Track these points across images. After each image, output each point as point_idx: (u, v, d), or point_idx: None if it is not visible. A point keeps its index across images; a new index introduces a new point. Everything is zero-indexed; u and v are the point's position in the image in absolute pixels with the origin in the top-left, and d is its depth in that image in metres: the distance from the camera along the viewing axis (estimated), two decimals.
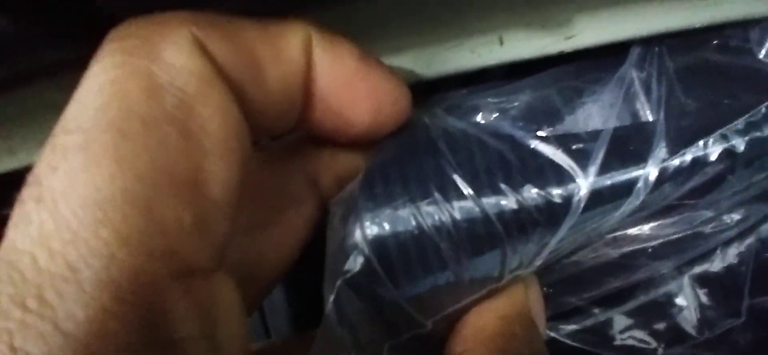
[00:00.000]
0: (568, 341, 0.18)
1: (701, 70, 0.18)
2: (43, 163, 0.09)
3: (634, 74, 0.17)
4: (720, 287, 0.17)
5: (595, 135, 0.15)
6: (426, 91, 0.18)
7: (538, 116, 0.15)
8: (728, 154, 0.14)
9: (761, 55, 0.18)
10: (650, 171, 0.14)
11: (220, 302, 0.09)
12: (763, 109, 0.15)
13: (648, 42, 0.17)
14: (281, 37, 0.11)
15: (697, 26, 0.18)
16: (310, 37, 0.12)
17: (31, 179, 0.09)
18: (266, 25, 0.11)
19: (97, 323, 0.07)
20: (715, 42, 0.19)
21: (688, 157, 0.14)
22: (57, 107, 0.20)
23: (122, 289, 0.08)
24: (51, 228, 0.08)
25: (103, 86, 0.09)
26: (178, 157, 0.09)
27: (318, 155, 0.15)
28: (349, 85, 0.12)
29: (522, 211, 0.14)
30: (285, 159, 0.15)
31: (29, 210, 0.08)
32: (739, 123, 0.15)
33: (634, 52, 0.17)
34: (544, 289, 0.17)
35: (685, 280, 0.18)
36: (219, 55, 0.10)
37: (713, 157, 0.14)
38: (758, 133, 0.14)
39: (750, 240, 0.18)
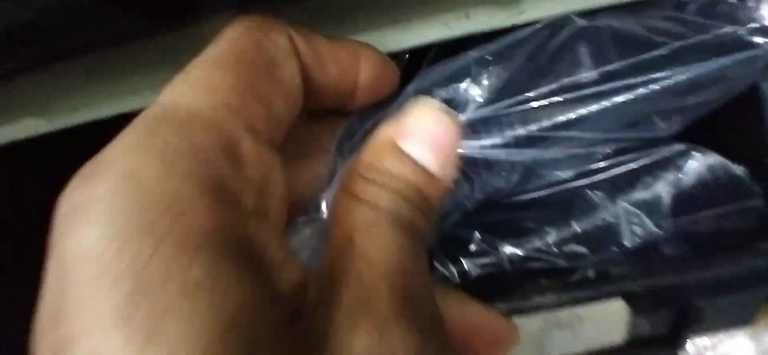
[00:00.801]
0: (518, 255, 0.22)
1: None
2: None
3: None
4: (646, 208, 0.22)
5: None
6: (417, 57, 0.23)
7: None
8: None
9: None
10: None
11: (274, 170, 0.14)
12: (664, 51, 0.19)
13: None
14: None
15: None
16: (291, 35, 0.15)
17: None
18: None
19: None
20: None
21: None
22: (110, 76, 0.24)
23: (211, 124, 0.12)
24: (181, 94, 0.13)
25: (225, 41, 0.14)
26: (262, 82, 0.14)
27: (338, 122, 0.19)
28: (324, 66, 0.16)
29: None
30: (317, 120, 0.19)
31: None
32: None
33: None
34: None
35: (619, 205, 0.22)
36: (299, 46, 0.15)
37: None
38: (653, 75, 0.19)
39: (672, 174, 0.23)
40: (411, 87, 0.20)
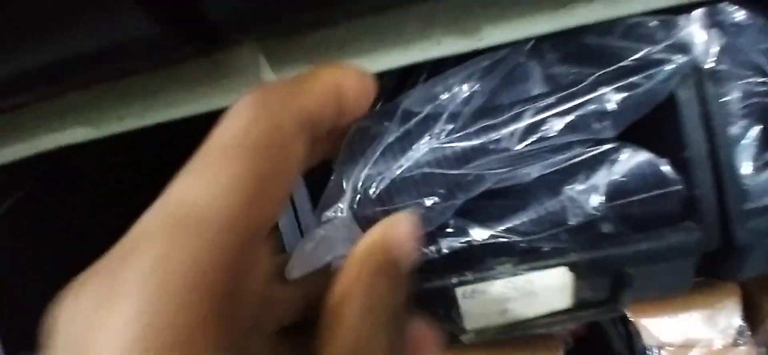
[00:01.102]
0: (484, 235, 0.28)
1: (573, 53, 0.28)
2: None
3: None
4: (586, 194, 0.27)
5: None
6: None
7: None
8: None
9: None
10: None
11: (272, 275, 0.18)
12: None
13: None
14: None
15: (571, 26, 0.28)
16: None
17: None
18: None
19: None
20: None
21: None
22: (151, 91, 0.30)
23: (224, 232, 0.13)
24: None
25: (237, 123, 0.15)
26: (273, 175, 0.15)
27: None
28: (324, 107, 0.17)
29: None
30: None
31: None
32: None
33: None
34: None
35: (565, 192, 0.28)
36: (309, 110, 0.16)
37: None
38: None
39: (607, 167, 0.28)
40: (405, 102, 0.25)
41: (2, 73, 0.24)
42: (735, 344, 0.46)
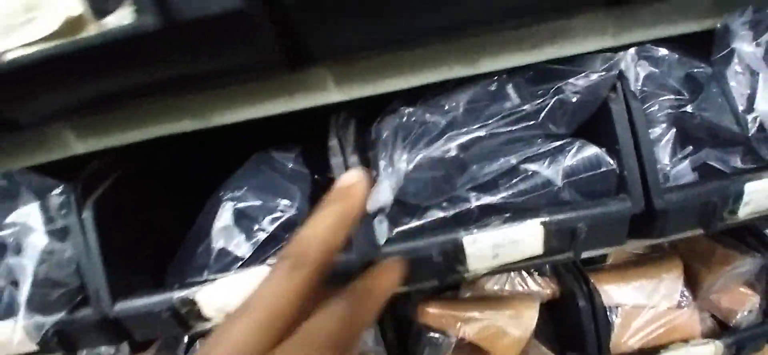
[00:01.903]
0: (481, 202, 0.40)
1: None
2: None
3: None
4: (550, 174, 0.40)
5: None
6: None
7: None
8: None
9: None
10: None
11: None
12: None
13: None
14: None
15: (541, 60, 0.41)
16: None
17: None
18: None
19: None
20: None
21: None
22: (238, 96, 0.42)
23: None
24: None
25: (270, 291, 0.20)
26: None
27: None
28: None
29: None
30: None
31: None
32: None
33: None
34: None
35: (537, 173, 0.40)
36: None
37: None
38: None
39: (563, 155, 0.41)
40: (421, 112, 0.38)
41: (145, 81, 0.36)
42: (679, 306, 0.58)
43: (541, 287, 0.57)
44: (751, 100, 0.41)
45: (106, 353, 0.66)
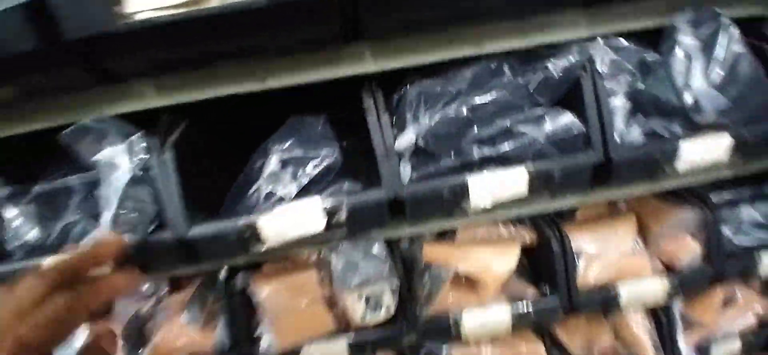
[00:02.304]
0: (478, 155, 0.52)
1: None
2: None
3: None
4: (535, 133, 0.52)
5: None
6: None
7: None
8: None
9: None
10: None
11: None
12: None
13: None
14: None
15: (532, 45, 0.53)
16: None
17: None
18: None
19: None
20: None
21: None
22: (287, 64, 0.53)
23: None
24: None
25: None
26: None
27: None
28: None
29: None
30: None
31: None
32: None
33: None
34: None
35: (524, 134, 0.53)
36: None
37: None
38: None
39: (546, 120, 0.53)
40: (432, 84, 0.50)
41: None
42: (632, 253, 0.72)
43: (522, 235, 0.70)
44: (688, 80, 0.54)
45: (146, 293, 0.75)
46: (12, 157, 0.58)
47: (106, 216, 0.51)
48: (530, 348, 0.81)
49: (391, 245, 0.69)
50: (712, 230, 0.69)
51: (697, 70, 0.53)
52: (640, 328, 0.85)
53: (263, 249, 0.53)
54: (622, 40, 0.57)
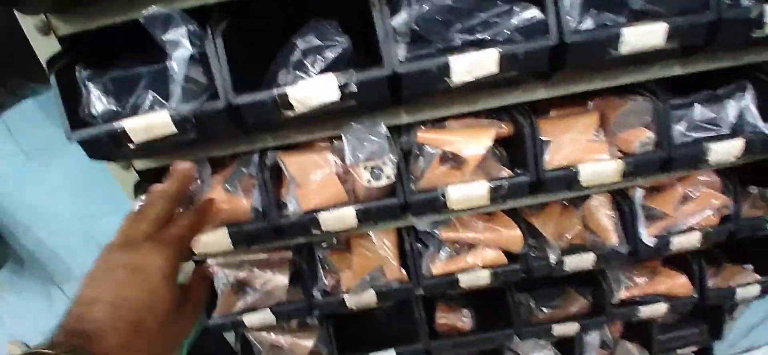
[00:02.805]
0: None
1: None
2: None
3: None
4: (508, 21, 0.67)
5: None
6: None
7: None
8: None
9: None
10: None
11: None
12: None
13: None
14: None
15: None
16: None
17: None
18: None
19: None
20: None
21: None
22: None
23: None
24: None
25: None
26: None
27: None
28: None
29: None
30: None
31: None
32: None
33: None
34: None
35: (500, 23, 0.67)
36: None
37: None
38: None
39: (517, 12, 0.67)
40: None
41: None
42: (593, 141, 0.87)
43: (499, 124, 0.85)
44: None
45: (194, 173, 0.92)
46: (102, 41, 0.74)
47: (175, 87, 0.67)
48: (510, 232, 0.97)
49: (392, 134, 0.85)
50: (662, 119, 0.84)
51: None
52: (605, 217, 1.01)
53: (292, 115, 0.69)
54: None
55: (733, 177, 1.03)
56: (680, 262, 1.20)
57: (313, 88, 0.67)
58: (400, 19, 0.64)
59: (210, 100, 0.69)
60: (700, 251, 1.15)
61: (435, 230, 1.01)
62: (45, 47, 0.73)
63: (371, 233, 1.02)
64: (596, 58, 0.70)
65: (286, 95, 0.67)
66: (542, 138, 0.85)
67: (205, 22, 0.68)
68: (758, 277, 1.25)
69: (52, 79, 0.68)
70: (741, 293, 1.23)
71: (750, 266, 1.31)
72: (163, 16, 0.65)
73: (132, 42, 0.72)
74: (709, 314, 1.49)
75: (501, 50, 0.67)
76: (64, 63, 0.71)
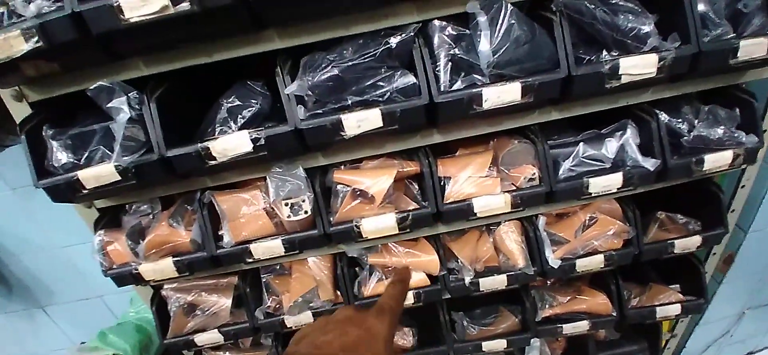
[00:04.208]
0: None
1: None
2: None
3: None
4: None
5: None
6: None
7: None
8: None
9: None
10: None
11: None
12: None
13: None
14: None
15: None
16: None
17: None
18: None
19: None
20: None
21: None
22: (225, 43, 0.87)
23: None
24: None
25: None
26: None
27: None
28: None
29: None
30: None
31: None
32: None
33: None
34: None
35: None
36: None
37: None
38: None
39: (392, 82, 0.85)
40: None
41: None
42: (486, 177, 1.03)
43: (405, 164, 1.02)
44: (485, 50, 0.84)
45: (144, 211, 1.09)
46: (59, 107, 0.92)
47: (117, 142, 0.85)
48: (429, 257, 1.13)
49: (314, 174, 1.01)
50: (544, 157, 0.99)
51: (485, 39, 0.83)
52: (513, 242, 1.16)
53: (215, 164, 0.86)
54: (444, 22, 0.88)
55: (631, 205, 1.17)
56: (603, 282, 1.34)
57: (230, 142, 0.84)
58: (294, 86, 0.81)
59: (146, 153, 0.86)
60: (615, 271, 1.29)
61: (363, 256, 1.17)
62: (19, 111, 0.92)
63: (310, 260, 1.18)
64: (462, 115, 0.86)
65: (208, 148, 0.84)
66: (442, 176, 1.01)
67: (145, 88, 0.86)
68: (681, 297, 1.38)
69: (23, 137, 0.86)
70: (661, 311, 1.36)
71: (677, 286, 1.45)
72: (106, 89, 0.83)
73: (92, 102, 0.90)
74: (649, 331, 1.61)
75: (382, 109, 0.83)
76: (32, 124, 0.88)
